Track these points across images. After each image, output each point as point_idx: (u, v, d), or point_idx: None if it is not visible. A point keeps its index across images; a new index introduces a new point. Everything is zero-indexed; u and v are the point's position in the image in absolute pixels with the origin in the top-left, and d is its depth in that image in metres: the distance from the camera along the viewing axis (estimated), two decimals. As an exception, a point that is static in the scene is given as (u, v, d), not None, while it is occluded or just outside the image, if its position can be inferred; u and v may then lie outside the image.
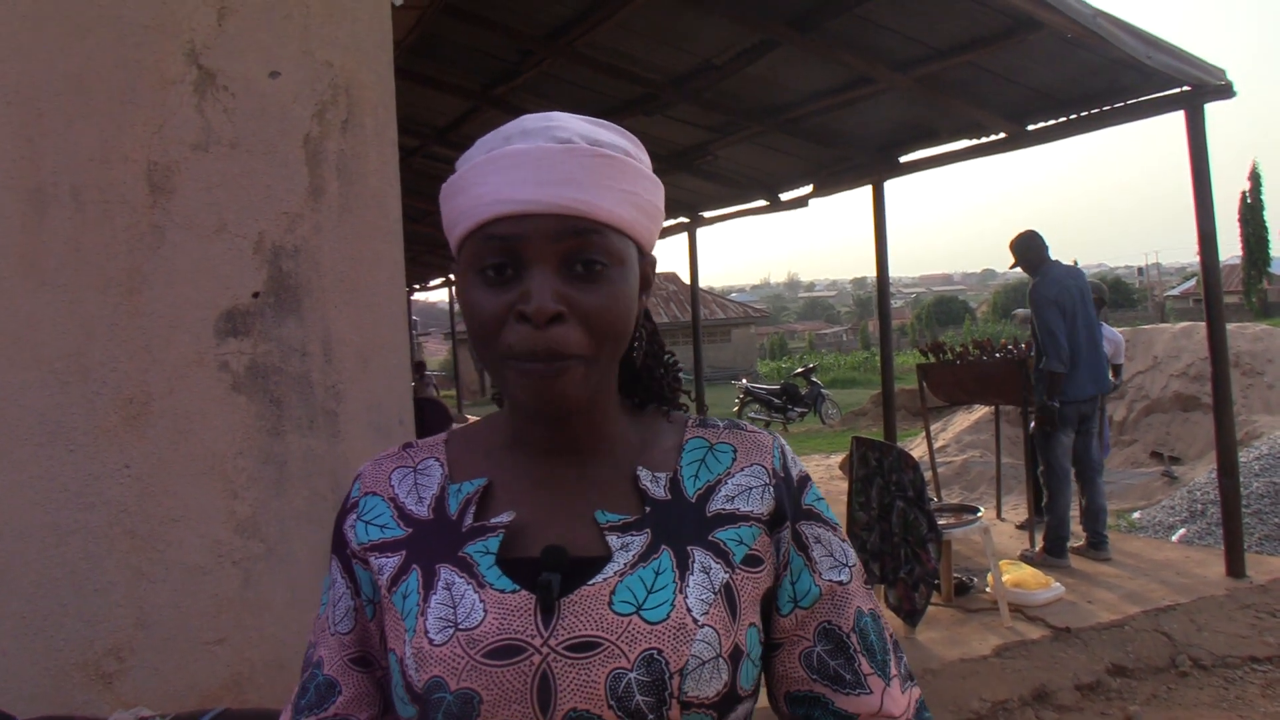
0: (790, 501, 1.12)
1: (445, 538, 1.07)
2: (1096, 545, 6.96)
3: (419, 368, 21.56)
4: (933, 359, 8.48)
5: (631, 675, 0.97)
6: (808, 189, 9.60)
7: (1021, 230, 7.32)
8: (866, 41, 6.37)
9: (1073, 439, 6.99)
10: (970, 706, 4.66)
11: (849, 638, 1.10)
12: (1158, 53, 5.62)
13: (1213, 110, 6.12)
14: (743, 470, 1.12)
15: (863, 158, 8.56)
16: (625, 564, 1.02)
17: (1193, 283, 57.58)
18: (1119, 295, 65.02)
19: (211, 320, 2.70)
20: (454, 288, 18.14)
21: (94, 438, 2.59)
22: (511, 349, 0.98)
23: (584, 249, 0.99)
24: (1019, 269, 7.27)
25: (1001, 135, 7.35)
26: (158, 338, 2.65)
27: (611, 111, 8.43)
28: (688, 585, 1.02)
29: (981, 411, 12.95)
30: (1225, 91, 6.00)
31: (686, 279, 12.07)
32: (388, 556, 1.09)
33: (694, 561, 1.04)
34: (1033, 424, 7.17)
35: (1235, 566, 6.26)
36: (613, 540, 1.04)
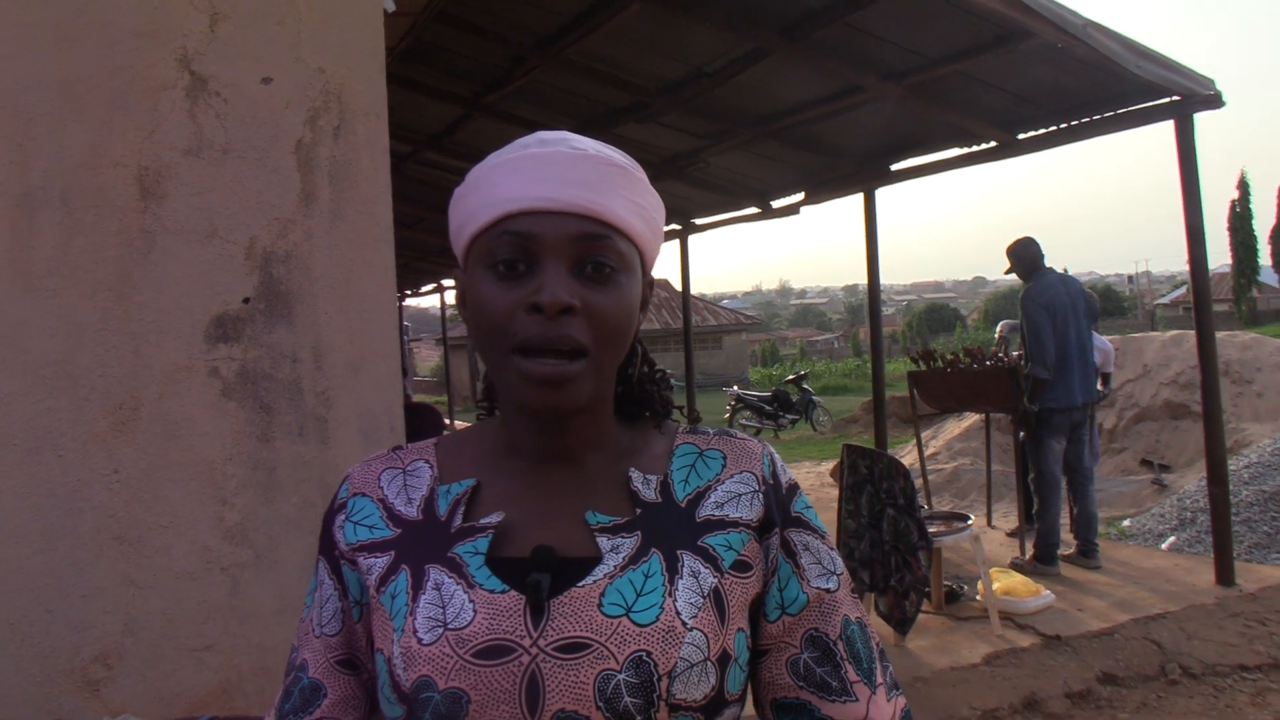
0: (779, 509, 1.13)
1: (434, 538, 1.08)
2: (1087, 553, 6.96)
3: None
4: (924, 366, 8.49)
5: (620, 677, 0.97)
6: (799, 197, 9.61)
7: (1019, 236, 7.33)
8: (857, 50, 6.39)
9: (1064, 447, 7.00)
10: (960, 715, 4.66)
11: (835, 645, 1.11)
12: (1147, 62, 5.64)
13: (1202, 119, 6.17)
14: (732, 477, 1.13)
15: (854, 166, 8.58)
16: (615, 566, 1.03)
17: (1182, 291, 57.84)
18: (1109, 303, 65.24)
19: (202, 326, 2.70)
20: (450, 295, 18.11)
21: (82, 443, 2.58)
22: (523, 340, 1.00)
23: (596, 250, 1.02)
24: (1013, 275, 7.29)
25: (992, 144, 7.37)
26: (147, 343, 2.64)
27: (603, 119, 8.44)
28: (677, 589, 1.03)
29: (972, 419, 12.98)
30: (1214, 101, 6.03)
31: (678, 286, 12.07)
32: (376, 556, 1.10)
33: (683, 565, 1.05)
34: (1023, 432, 7.19)
35: (1225, 574, 6.28)
36: (603, 542, 1.05)
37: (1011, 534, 7.85)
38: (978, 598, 6.05)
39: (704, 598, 1.04)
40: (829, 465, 12.89)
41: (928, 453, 12.13)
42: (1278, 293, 53.18)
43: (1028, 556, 6.96)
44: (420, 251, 15.73)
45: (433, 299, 21.53)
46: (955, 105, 6.94)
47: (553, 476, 1.10)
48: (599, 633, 0.99)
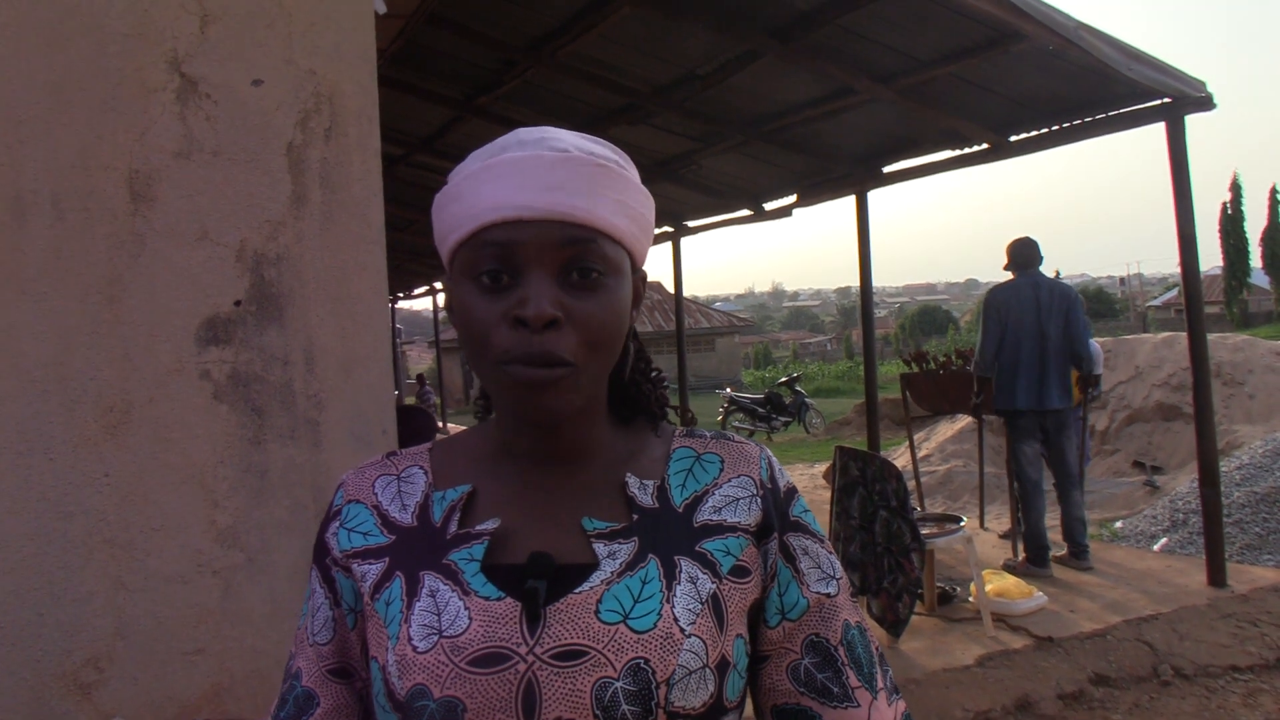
0: (777, 513, 1.12)
1: (429, 545, 1.07)
2: (1077, 555, 6.97)
3: (420, 380, 21.44)
4: (916, 368, 8.51)
5: (618, 684, 0.96)
6: (791, 199, 9.62)
7: (1020, 237, 7.27)
8: (849, 53, 6.40)
9: (1036, 449, 7.00)
10: (953, 716, 4.67)
11: (836, 650, 1.10)
12: (1139, 65, 5.66)
13: (1194, 121, 6.18)
14: (730, 481, 1.11)
15: (846, 168, 8.59)
16: (612, 572, 1.02)
17: (1174, 293, 57.95)
18: (1101, 305, 65.33)
19: (193, 329, 2.69)
20: (441, 296, 18.08)
21: (73, 447, 2.57)
22: (507, 352, 0.98)
23: (581, 256, 1.00)
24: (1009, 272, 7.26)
25: (984, 146, 7.38)
26: (138, 346, 2.64)
27: (595, 121, 8.44)
28: (675, 595, 1.02)
29: (965, 421, 12.99)
30: (1205, 103, 6.04)
31: (671, 288, 12.08)
32: (370, 563, 1.08)
33: (681, 571, 1.04)
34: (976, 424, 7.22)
35: (1216, 576, 6.29)
36: (600, 548, 1.03)
37: (1004, 536, 7.86)
38: (970, 599, 6.06)
39: (702, 604, 1.02)
40: (822, 467, 12.91)
41: (920, 454, 12.14)
42: (1269, 295, 53.30)
43: (1020, 558, 6.98)
44: (412, 254, 15.72)
45: (425, 301, 21.61)
46: (947, 107, 6.95)
47: (548, 481, 1.09)
48: (596, 640, 0.98)
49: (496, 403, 1.09)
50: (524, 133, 1.05)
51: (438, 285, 19.30)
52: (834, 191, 9.03)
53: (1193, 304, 6.39)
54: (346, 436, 2.86)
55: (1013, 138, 7.19)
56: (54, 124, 2.58)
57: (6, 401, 2.52)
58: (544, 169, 1.00)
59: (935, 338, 59.54)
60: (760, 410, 22.27)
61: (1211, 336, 11.15)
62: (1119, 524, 9.07)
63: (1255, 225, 49.85)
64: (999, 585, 6.03)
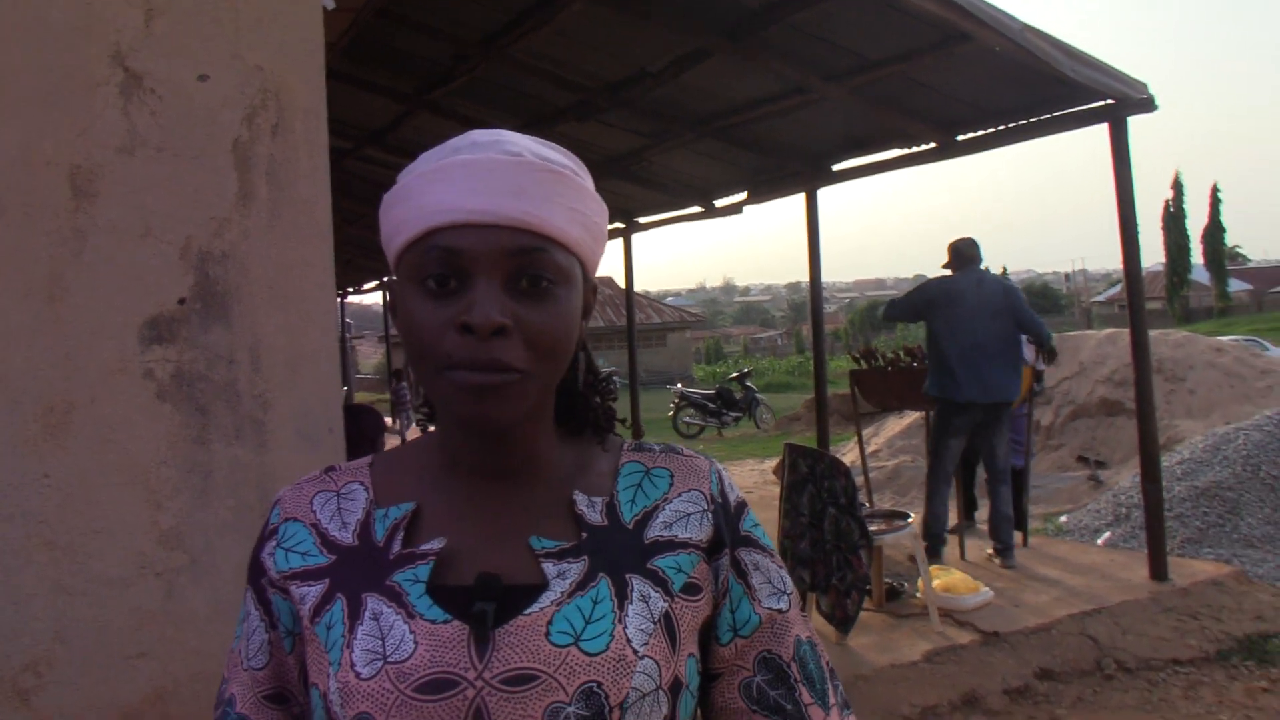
0: (728, 528, 1.10)
1: (372, 565, 1.03)
2: (1002, 554, 7.01)
3: (397, 375, 20.70)
4: (864, 365, 8.56)
5: (570, 709, 0.94)
6: (742, 196, 9.66)
7: (961, 237, 7.33)
8: (800, 52, 6.43)
9: (961, 443, 7.05)
10: (900, 712, 4.71)
11: (789, 667, 1.09)
12: (1082, 66, 5.73)
13: (1138, 119, 6.26)
14: (680, 496, 1.09)
15: (797, 166, 8.64)
16: (562, 593, 0.99)
17: (1118, 289, 58.82)
18: (1046, 301, 66.20)
19: (136, 327, 2.65)
20: (388, 296, 17.92)
21: (13, 447, 2.53)
22: (451, 357, 0.95)
23: (532, 264, 0.97)
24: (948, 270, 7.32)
25: (932, 145, 7.45)
26: (80, 345, 2.59)
27: (547, 118, 8.42)
28: (627, 615, 0.99)
29: (913, 416, 13.11)
30: (1147, 105, 6.14)
31: (622, 284, 12.07)
32: (310, 585, 1.04)
33: (632, 590, 1.01)
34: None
35: (1158, 570, 6.39)
36: (549, 568, 1.01)
37: (952, 530, 7.93)
38: (918, 595, 6.11)
39: (654, 623, 1.00)
40: (772, 463, 12.97)
41: (869, 450, 12.23)
42: (1209, 291, 54.31)
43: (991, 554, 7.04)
44: (362, 248, 15.59)
45: (375, 296, 21.32)
46: (896, 107, 7.01)
47: (494, 498, 1.06)
48: (547, 663, 0.95)
49: (440, 411, 1.06)
50: (478, 134, 1.02)
51: (388, 287, 19.16)
52: (785, 189, 9.08)
53: (1135, 304, 6.49)
54: (293, 436, 2.83)
55: (960, 137, 7.26)
56: (-7, 118, 2.53)
57: (-57, 401, 2.47)
58: (497, 173, 0.97)
59: (884, 333, 60.00)
60: (711, 405, 22.33)
61: (1153, 333, 11.33)
62: (1063, 518, 9.20)
63: (1196, 223, 50.71)
64: (946, 581, 6.09)
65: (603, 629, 0.98)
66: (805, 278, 9.33)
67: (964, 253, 7.18)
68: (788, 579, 1.14)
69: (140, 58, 2.67)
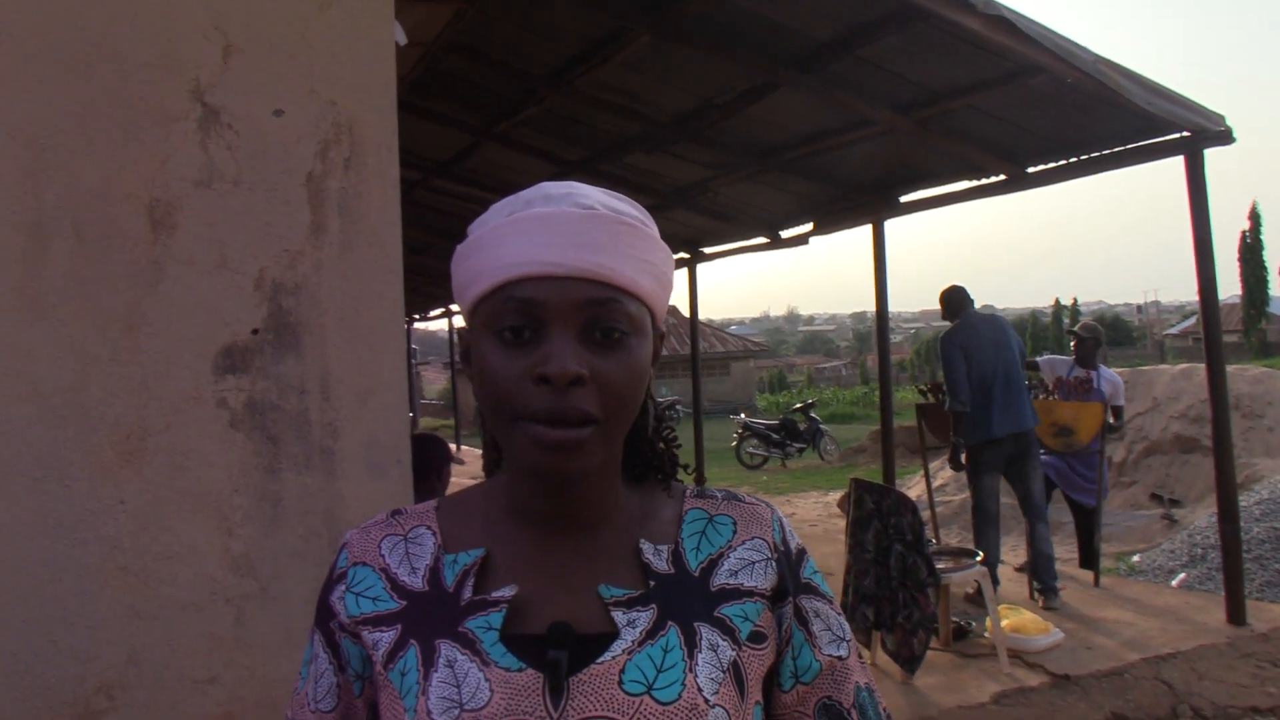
0: (791, 576, 1.10)
1: (443, 611, 1.03)
2: (1045, 594, 6.89)
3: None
4: (931, 399, 8.47)
5: None
6: (808, 227, 9.62)
7: (950, 285, 7.52)
8: (868, 84, 6.41)
9: (998, 481, 7.03)
10: (967, 752, 4.62)
11: (849, 714, 1.10)
12: (1158, 99, 5.65)
13: (1214, 150, 6.14)
14: (744, 544, 1.10)
15: (863, 197, 8.59)
16: (633, 641, 1.00)
17: (1192, 321, 57.70)
18: (1118, 334, 65.11)
19: (210, 356, 2.70)
20: (458, 318, 18.19)
21: (89, 473, 2.58)
22: (527, 408, 0.96)
23: (605, 315, 0.98)
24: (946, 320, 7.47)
25: (1001, 177, 7.37)
26: (156, 373, 2.64)
27: (614, 149, 8.48)
28: (697, 664, 1.00)
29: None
30: (1224, 137, 6.03)
31: (686, 312, 12.06)
32: (382, 631, 1.05)
33: (701, 639, 1.02)
34: (953, 466, 7.29)
35: (1236, 613, 6.22)
36: (618, 616, 1.01)
37: (1020, 569, 7.79)
38: (986, 634, 6.01)
39: (724, 672, 1.01)
40: (836, 495, 12.85)
41: (936, 484, 12.07)
42: (1288, 325, 53.08)
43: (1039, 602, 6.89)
44: (429, 276, 15.77)
45: (441, 323, 21.47)
46: (964, 138, 6.95)
47: (562, 546, 1.06)
48: (621, 712, 0.96)
49: (511, 461, 1.06)
50: (550, 187, 1.04)
51: (454, 307, 19.34)
52: (851, 220, 9.03)
53: (1212, 339, 6.35)
54: (361, 465, 2.86)
55: (1030, 169, 7.19)
56: (77, 152, 2.60)
57: (24, 427, 2.53)
58: (570, 226, 0.98)
59: (951, 365, 59.30)
60: (774, 436, 22.19)
61: (1231, 368, 11.08)
62: (1136, 558, 9.00)
63: (1275, 254, 49.81)
64: (1015, 621, 5.98)
65: (674, 678, 0.98)
66: (870, 307, 9.27)
67: (956, 300, 7.36)
68: (846, 626, 1.14)
69: (218, 93, 2.73)
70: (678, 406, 28.95)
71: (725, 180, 8.80)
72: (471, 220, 1.08)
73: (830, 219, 9.24)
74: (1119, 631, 6.21)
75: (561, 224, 0.98)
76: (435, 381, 57.98)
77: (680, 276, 11.81)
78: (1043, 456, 7.37)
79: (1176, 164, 6.25)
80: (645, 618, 1.02)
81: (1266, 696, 5.23)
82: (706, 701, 0.98)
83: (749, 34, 6.03)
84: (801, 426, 22.50)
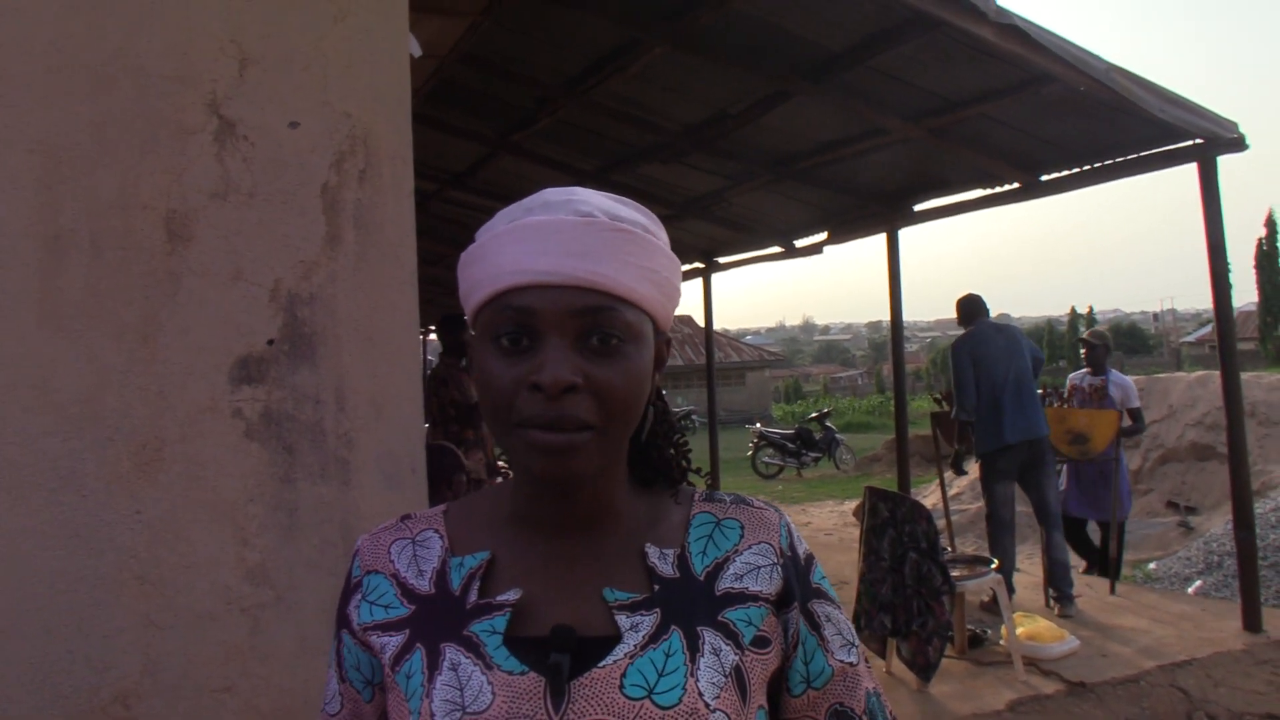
0: (799, 581, 1.11)
1: (449, 615, 1.05)
2: (1060, 601, 6.86)
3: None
4: (946, 407, 8.45)
5: None
6: (822, 236, 9.63)
7: (966, 293, 7.54)
8: (881, 93, 6.41)
9: (1012, 489, 7.00)
10: (983, 762, 4.61)
11: None
12: (1170, 106, 5.64)
13: (1230, 156, 6.13)
14: (750, 548, 1.10)
15: (877, 206, 8.59)
16: (635, 645, 1.00)
17: (1209, 328, 57.40)
18: (1134, 341, 64.82)
19: (226, 367, 2.72)
20: (466, 358, 18.10)
21: (106, 484, 2.60)
22: (522, 414, 0.97)
23: (601, 323, 0.99)
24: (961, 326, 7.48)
25: (1015, 185, 7.37)
26: (172, 384, 2.66)
27: (628, 160, 8.49)
28: (699, 668, 1.00)
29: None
30: (1238, 145, 6.01)
31: (701, 322, 12.07)
32: (390, 635, 1.07)
33: (704, 643, 1.02)
34: (952, 472, 7.35)
35: (1252, 621, 6.19)
36: (622, 620, 1.02)
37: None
38: (1001, 642, 5.99)
39: (726, 676, 1.01)
40: (852, 504, 12.83)
41: (951, 493, 12.05)
42: (1305, 332, 52.77)
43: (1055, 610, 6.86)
44: (443, 287, 15.77)
45: (456, 334, 21.41)
46: (978, 147, 6.95)
47: (568, 550, 1.07)
48: (621, 716, 0.96)
49: (514, 466, 1.08)
50: (551, 194, 1.05)
51: (467, 336, 19.36)
52: (865, 229, 9.03)
53: (1226, 346, 6.33)
54: (376, 475, 2.87)
55: (1044, 177, 7.18)
56: (95, 164, 2.62)
57: (41, 438, 2.55)
58: (566, 234, 0.99)
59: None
60: (790, 445, 22.17)
61: (1246, 375, 11.04)
62: (1153, 565, 8.96)
63: (1292, 261, 49.38)
64: (1030, 628, 5.96)
65: (675, 682, 0.99)
66: (886, 316, 9.30)
67: (972, 307, 7.39)
68: (854, 631, 1.15)
69: (234, 105, 2.76)
70: (693, 416, 28.93)
71: (739, 190, 8.81)
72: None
73: (844, 228, 9.24)
74: (1135, 639, 6.19)
75: (558, 232, 0.99)
76: (450, 391, 57.90)
77: (695, 286, 11.82)
78: (1065, 487, 7.44)
79: (1193, 172, 6.24)
80: (648, 621, 1.02)
81: (1284, 705, 5.21)
82: (707, 706, 0.99)
83: (762, 44, 6.05)
84: (817, 436, 22.47)
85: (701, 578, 1.07)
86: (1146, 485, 12.20)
